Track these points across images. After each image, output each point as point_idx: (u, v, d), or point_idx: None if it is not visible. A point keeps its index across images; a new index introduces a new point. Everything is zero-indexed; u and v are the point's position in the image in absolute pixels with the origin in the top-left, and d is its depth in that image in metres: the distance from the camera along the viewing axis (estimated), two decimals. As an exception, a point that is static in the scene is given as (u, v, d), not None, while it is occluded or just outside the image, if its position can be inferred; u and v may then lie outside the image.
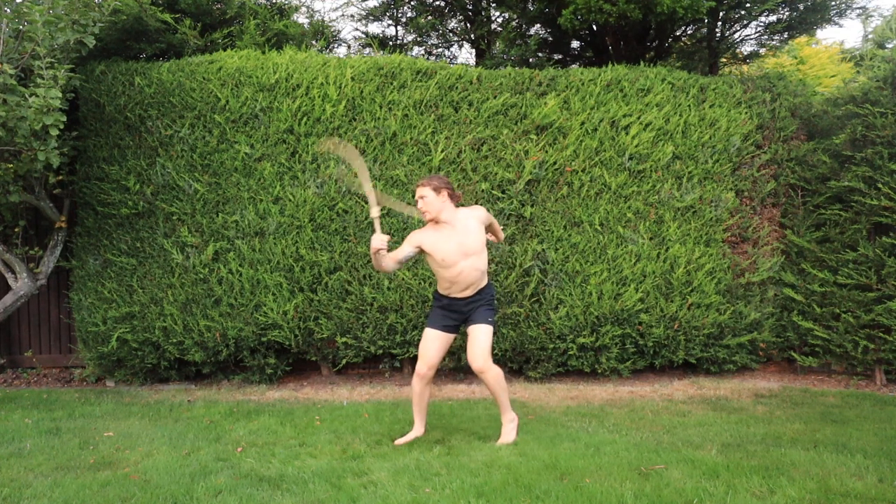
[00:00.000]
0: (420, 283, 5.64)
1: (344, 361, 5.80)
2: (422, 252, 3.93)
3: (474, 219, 3.93)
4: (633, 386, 5.78)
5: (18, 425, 4.44)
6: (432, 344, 3.96)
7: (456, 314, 3.97)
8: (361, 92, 5.66)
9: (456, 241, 3.85)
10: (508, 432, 3.98)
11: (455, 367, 5.89)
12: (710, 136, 5.85)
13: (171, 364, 5.87)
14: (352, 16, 11.25)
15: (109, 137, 5.78)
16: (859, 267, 5.61)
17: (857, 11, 8.16)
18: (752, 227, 5.94)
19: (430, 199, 3.86)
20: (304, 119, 5.64)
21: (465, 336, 5.32)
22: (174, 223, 5.72)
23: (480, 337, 3.89)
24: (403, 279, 5.61)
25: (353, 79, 5.66)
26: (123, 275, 5.75)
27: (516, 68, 6.07)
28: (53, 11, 4.89)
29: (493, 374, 3.89)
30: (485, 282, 3.98)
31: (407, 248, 3.89)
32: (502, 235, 4.42)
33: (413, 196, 5.57)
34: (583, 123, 5.75)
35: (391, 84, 5.70)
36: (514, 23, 8.64)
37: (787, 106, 6.05)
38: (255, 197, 5.66)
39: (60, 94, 4.74)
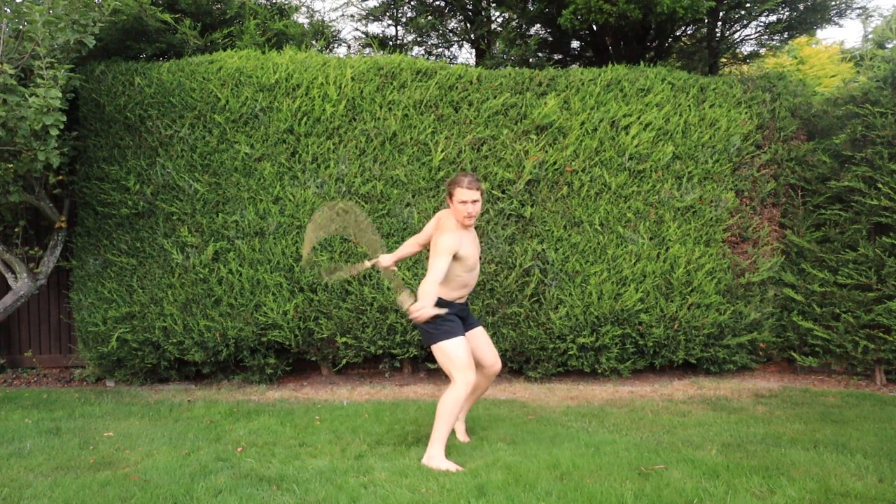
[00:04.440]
0: (420, 283, 5.63)
1: (344, 361, 5.80)
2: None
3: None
4: (633, 386, 5.78)
5: (18, 425, 4.44)
6: (467, 347, 3.71)
7: (460, 318, 3.85)
8: (361, 92, 5.66)
9: (476, 242, 3.80)
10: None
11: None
12: (710, 136, 5.85)
13: (171, 364, 5.87)
14: (352, 16, 11.24)
15: (109, 137, 5.78)
16: (859, 267, 5.61)
17: (857, 11, 8.18)
18: (752, 227, 5.94)
19: (480, 203, 3.68)
20: (304, 119, 5.64)
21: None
22: (174, 223, 5.72)
23: (488, 338, 3.99)
24: (403, 279, 5.61)
25: (353, 79, 5.66)
26: (123, 275, 5.75)
27: (516, 68, 6.07)
28: (53, 11, 4.89)
29: None
30: None
31: (447, 261, 3.56)
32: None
33: (414, 196, 5.58)
34: (583, 123, 5.75)
35: (391, 84, 5.70)
36: (514, 23, 8.64)
37: (787, 106, 6.05)
38: (255, 197, 5.66)
39: (60, 94, 4.74)
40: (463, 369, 3.59)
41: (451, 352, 3.62)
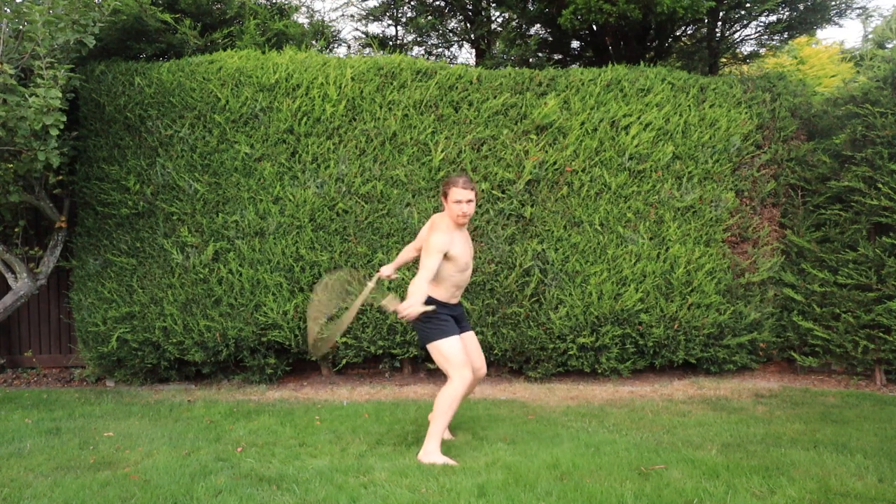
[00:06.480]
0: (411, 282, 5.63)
1: (344, 361, 5.80)
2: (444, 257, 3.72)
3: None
4: (633, 386, 5.78)
5: (18, 425, 4.44)
6: (462, 346, 3.77)
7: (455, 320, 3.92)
8: (361, 92, 5.66)
9: (469, 243, 3.90)
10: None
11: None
12: (710, 136, 5.85)
13: (171, 364, 5.87)
14: (352, 16, 11.25)
15: (109, 137, 5.78)
16: (859, 267, 5.61)
17: (857, 11, 8.17)
18: (752, 227, 5.94)
19: (473, 204, 3.80)
20: (304, 119, 5.64)
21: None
22: (174, 223, 5.72)
23: (478, 343, 4.03)
24: (403, 279, 5.61)
25: (353, 79, 5.66)
26: (123, 275, 5.75)
27: (516, 68, 6.06)
28: (53, 11, 4.89)
29: None
30: None
31: (438, 259, 3.64)
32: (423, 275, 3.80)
33: (414, 196, 5.58)
34: (583, 123, 5.75)
35: (391, 84, 5.70)
36: (514, 23, 8.64)
37: (787, 106, 6.05)
38: (255, 197, 5.66)
39: (60, 94, 4.74)
40: (459, 367, 3.67)
41: (447, 350, 3.70)
